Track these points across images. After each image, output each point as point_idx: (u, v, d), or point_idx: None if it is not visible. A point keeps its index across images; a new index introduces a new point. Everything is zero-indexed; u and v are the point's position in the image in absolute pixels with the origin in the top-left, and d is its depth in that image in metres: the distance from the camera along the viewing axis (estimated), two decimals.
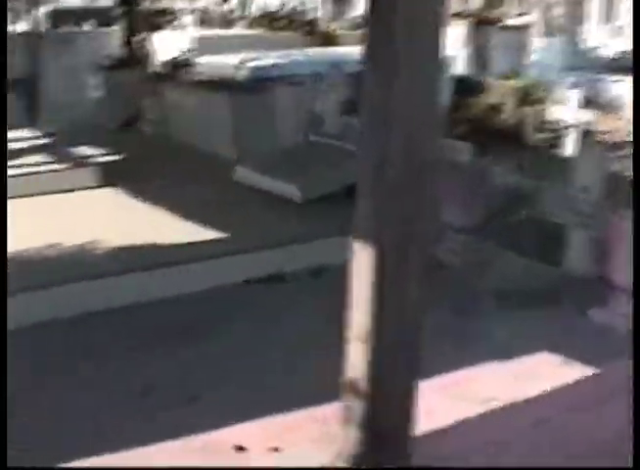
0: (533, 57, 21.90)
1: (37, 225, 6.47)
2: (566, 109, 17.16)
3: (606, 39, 31.08)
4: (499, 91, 18.44)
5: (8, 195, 7.05)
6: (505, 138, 16.63)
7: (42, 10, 26.31)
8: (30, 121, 12.34)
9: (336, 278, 5.79)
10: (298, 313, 5.32)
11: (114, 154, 9.18)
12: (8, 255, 5.38)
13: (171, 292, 5.51)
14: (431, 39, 2.68)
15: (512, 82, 18.56)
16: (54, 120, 11.32)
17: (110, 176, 7.80)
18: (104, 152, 9.25)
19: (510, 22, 28.84)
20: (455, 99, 17.57)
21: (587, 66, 21.36)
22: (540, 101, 17.92)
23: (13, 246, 5.80)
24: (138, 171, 8.25)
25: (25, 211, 6.88)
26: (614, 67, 21.59)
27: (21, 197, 7.09)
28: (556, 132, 17.24)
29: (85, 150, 9.18)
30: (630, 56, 20.89)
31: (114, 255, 5.84)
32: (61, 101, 13.36)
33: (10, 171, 7.43)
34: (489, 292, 5.73)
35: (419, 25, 2.63)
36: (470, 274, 5.92)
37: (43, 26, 25.45)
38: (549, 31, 21.93)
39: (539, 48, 21.91)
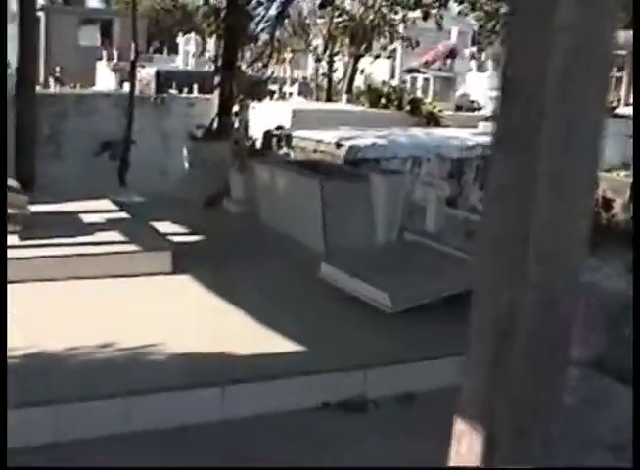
0: None
1: (96, 316, 5.81)
2: None
3: None
4: (609, 185, 17.51)
5: (71, 274, 6.54)
6: (616, 236, 15.67)
7: (148, 71, 26.51)
8: (119, 186, 11.97)
9: (427, 408, 5.04)
10: (385, 448, 4.56)
11: (194, 233, 8.59)
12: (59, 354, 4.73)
13: (236, 413, 4.78)
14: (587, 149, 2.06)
15: (623, 176, 17.64)
16: (141, 188, 10.89)
17: (185, 261, 7.12)
18: (184, 230, 8.68)
19: (622, 110, 27.99)
20: None
21: None
22: None
23: (65, 342, 5.18)
24: (216, 258, 7.59)
25: (85, 296, 6.27)
26: None
27: (82, 278, 6.51)
28: None
29: (166, 226, 8.63)
30: None
31: (179, 363, 5.12)
32: (150, 168, 12.97)
33: (80, 249, 6.87)
34: (602, 442, 4.88)
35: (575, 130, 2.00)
36: (584, 418, 5.03)
37: (149, 88, 25.59)
38: None
39: None
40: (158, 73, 28.03)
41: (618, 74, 36.90)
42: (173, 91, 25.49)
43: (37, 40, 10.48)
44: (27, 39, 10.68)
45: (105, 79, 31.25)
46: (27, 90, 10.81)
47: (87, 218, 8.03)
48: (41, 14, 35.92)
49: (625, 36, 34.66)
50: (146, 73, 26.18)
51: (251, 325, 5.76)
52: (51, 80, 27.29)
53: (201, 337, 5.53)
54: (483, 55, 40.73)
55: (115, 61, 33.32)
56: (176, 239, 8.23)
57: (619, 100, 31.42)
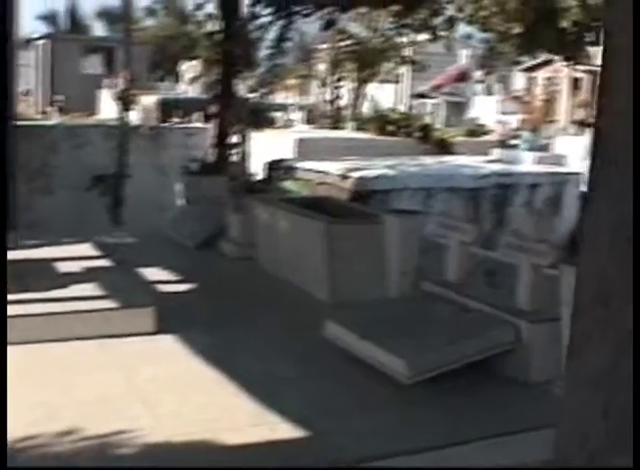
0: None
1: (58, 392, 4.92)
2: None
3: None
4: None
5: (36, 337, 5.67)
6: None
7: (151, 99, 25.80)
8: (112, 224, 11.18)
9: None
10: None
11: (184, 282, 7.72)
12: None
13: None
14: None
15: None
16: (135, 226, 10.09)
17: (171, 318, 6.24)
18: (174, 278, 7.82)
19: None
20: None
21: None
22: None
23: (18, 427, 4.28)
24: (207, 313, 6.72)
25: (49, 365, 5.38)
26: None
27: (49, 341, 5.65)
28: None
29: (154, 274, 7.78)
30: None
31: (155, 458, 4.23)
32: (146, 204, 12.17)
33: (48, 307, 6.01)
34: None
35: None
36: None
37: (152, 116, 24.85)
38: None
39: None
40: (161, 101, 27.35)
41: None
42: (177, 119, 24.77)
43: (12, 72, 9.64)
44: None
45: (108, 108, 30.59)
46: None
47: (64, 267, 7.16)
48: (47, 42, 35.53)
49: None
50: (150, 101, 25.50)
51: (245, 403, 4.86)
52: (51, 110, 26.59)
53: (184, 419, 4.63)
54: (488, 77, 40.10)
55: (118, 89, 32.64)
56: (164, 289, 7.40)
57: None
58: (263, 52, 11.21)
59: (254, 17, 10.41)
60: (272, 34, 10.92)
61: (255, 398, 4.90)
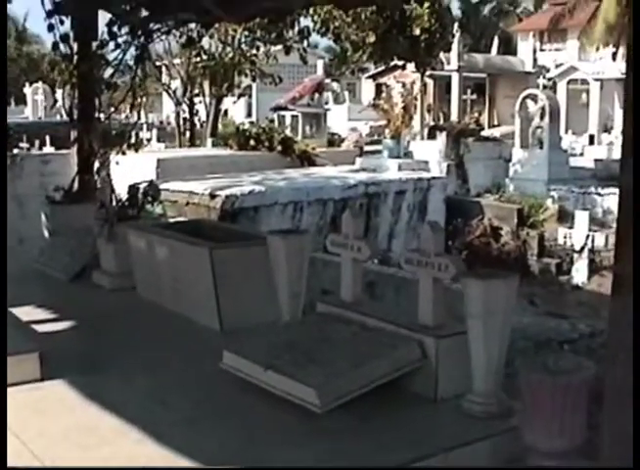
0: (515, 169, 20.70)
1: None
2: (573, 230, 15.70)
3: (580, 148, 30.26)
4: (494, 213, 16.99)
5: None
6: (507, 265, 15.07)
7: None
8: None
9: None
10: None
11: (62, 319, 7.29)
12: None
13: None
14: None
15: (512, 204, 17.16)
16: None
17: (55, 362, 5.84)
18: (51, 316, 7.38)
19: (488, 132, 27.90)
20: (451, 223, 16.08)
21: (572, 177, 20.18)
22: (541, 222, 16.48)
23: None
24: (92, 352, 6.33)
25: None
26: (600, 177, 20.48)
27: None
28: (563, 258, 15.74)
29: (28, 313, 7.33)
30: (611, 164, 19.87)
31: None
32: (8, 240, 11.58)
33: None
34: None
35: None
36: None
37: None
38: (529, 142, 20.80)
39: (519, 160, 20.72)
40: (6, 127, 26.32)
41: (473, 97, 37.14)
42: (24, 144, 23.95)
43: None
44: None
45: None
46: None
47: None
48: None
49: (484, 59, 34.95)
50: None
51: (151, 450, 4.54)
52: None
53: None
54: (335, 86, 40.51)
55: None
56: (43, 329, 6.96)
57: (477, 122, 31.40)
58: (119, 72, 10.79)
59: (112, 37, 10.00)
60: (129, 54, 10.55)
61: (161, 443, 4.59)
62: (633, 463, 2.77)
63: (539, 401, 4.41)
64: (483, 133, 26.84)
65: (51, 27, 10.05)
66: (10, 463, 4.33)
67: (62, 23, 10.04)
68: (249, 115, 39.46)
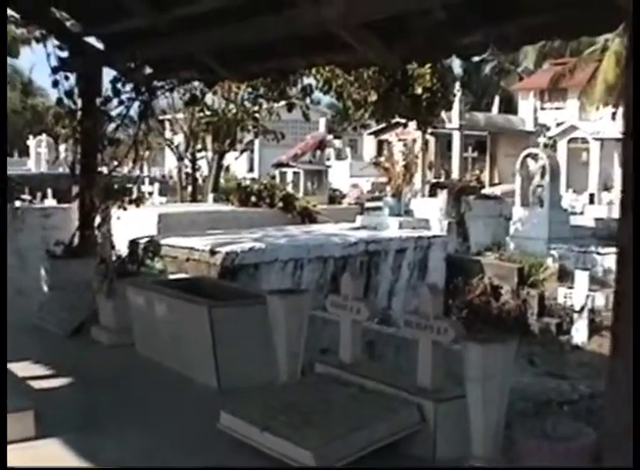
0: (515, 228, 20.72)
1: None
2: (574, 290, 15.67)
3: (580, 207, 30.34)
4: (494, 272, 16.97)
5: None
6: (507, 325, 15.03)
7: None
8: None
9: None
10: None
11: (59, 376, 7.25)
12: None
13: None
14: None
15: (512, 263, 17.15)
16: None
17: (50, 419, 5.79)
18: (47, 372, 7.34)
19: (489, 190, 28.01)
20: (451, 281, 16.06)
21: (572, 236, 20.20)
22: (542, 281, 16.45)
23: None
24: (89, 411, 6.27)
25: None
26: (600, 236, 20.50)
27: None
28: (563, 317, 15.69)
29: (25, 368, 7.28)
30: (611, 223, 19.90)
31: None
32: (7, 293, 11.56)
33: None
34: None
35: None
36: None
37: None
38: (529, 201, 20.85)
39: (520, 218, 20.75)
40: (8, 178, 26.43)
41: (474, 155, 37.40)
42: (26, 197, 24.04)
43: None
44: None
45: None
46: None
47: None
48: None
49: (485, 117, 35.26)
50: None
51: None
52: None
53: None
54: (337, 142, 40.80)
55: None
56: (39, 385, 6.92)
57: (478, 180, 31.57)
58: (123, 126, 10.87)
59: (116, 93, 10.08)
60: (133, 110, 10.62)
61: None
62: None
63: (539, 468, 4.38)
64: (484, 191, 26.96)
65: (56, 83, 10.15)
66: None
67: (67, 78, 10.14)
68: (250, 170, 39.66)
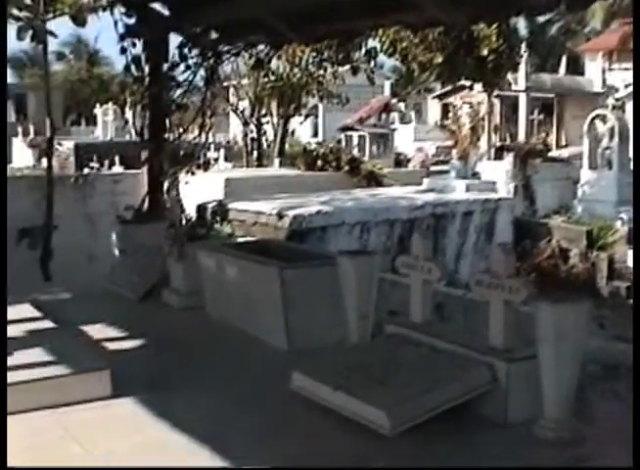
0: (583, 191, 20.42)
1: None
2: None
3: None
4: (563, 234, 16.77)
5: None
6: (575, 288, 14.87)
7: (67, 144, 25.25)
8: (43, 280, 10.76)
9: None
10: None
11: (132, 337, 7.37)
12: None
13: None
14: None
15: (580, 226, 16.94)
16: (67, 280, 9.67)
17: (125, 379, 5.89)
18: (121, 334, 7.46)
19: (556, 153, 27.61)
20: (519, 244, 15.91)
21: None
22: (611, 244, 16.21)
23: None
24: (162, 370, 6.37)
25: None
26: None
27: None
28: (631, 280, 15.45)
29: (98, 331, 7.42)
30: None
31: None
32: (76, 255, 11.77)
33: None
34: None
35: None
36: None
37: (69, 163, 24.31)
38: (597, 163, 20.52)
39: (588, 181, 20.43)
40: (77, 147, 26.80)
41: (541, 117, 36.83)
42: (94, 164, 24.30)
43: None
44: None
45: (22, 156, 29.94)
46: None
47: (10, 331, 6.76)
48: None
49: (552, 79, 34.64)
50: (65, 147, 24.93)
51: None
52: None
53: None
54: (402, 106, 40.48)
55: (32, 136, 32.12)
56: (112, 347, 7.04)
57: (545, 143, 31.10)
58: (189, 93, 10.93)
59: (182, 58, 10.14)
60: (198, 75, 10.67)
61: (231, 463, 4.60)
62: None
63: (613, 429, 4.35)
64: (551, 154, 26.55)
65: (123, 50, 10.23)
66: None
67: (134, 45, 10.21)
68: (315, 135, 39.57)
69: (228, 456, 4.67)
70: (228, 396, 5.79)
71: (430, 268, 5.87)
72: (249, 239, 10.62)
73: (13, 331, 6.77)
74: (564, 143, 36.72)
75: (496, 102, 31.16)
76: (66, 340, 6.59)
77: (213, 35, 10.27)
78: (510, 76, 27.58)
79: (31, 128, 32.96)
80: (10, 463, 4.63)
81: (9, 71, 57.23)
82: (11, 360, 5.93)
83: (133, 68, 10.44)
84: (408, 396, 5.04)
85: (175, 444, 4.95)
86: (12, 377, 5.61)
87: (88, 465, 4.69)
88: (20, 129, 34.34)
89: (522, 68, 30.17)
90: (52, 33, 10.77)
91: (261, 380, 6.09)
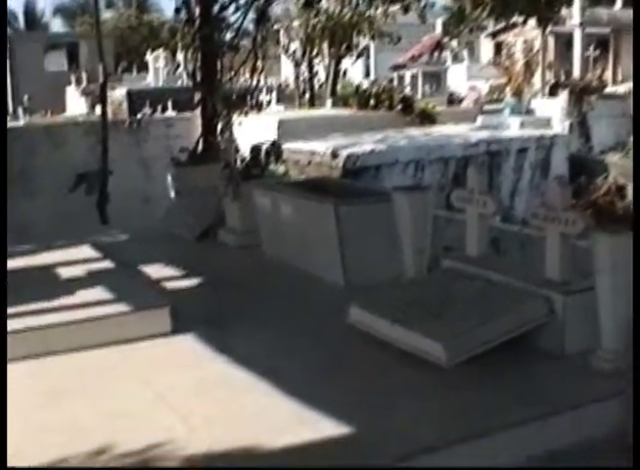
0: None
1: (84, 406, 4.68)
2: None
3: None
4: (619, 171, 16.55)
5: (51, 349, 5.43)
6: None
7: (119, 91, 25.40)
8: (101, 223, 10.92)
9: None
10: None
11: (190, 276, 7.47)
12: None
13: None
14: None
15: (621, 158, 16.69)
16: (124, 223, 9.81)
17: (185, 316, 6.00)
18: (179, 273, 7.56)
19: (612, 89, 27.14)
20: (574, 181, 15.74)
21: None
22: None
23: (49, 450, 4.05)
24: (221, 307, 6.47)
25: (70, 378, 5.12)
26: None
27: (65, 352, 5.38)
28: None
29: (157, 270, 7.53)
30: None
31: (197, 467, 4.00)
32: (132, 199, 11.92)
33: (60, 317, 5.74)
34: None
35: None
36: None
37: (122, 109, 24.46)
38: None
39: None
40: (129, 93, 26.92)
41: (596, 53, 36.12)
42: (147, 110, 24.40)
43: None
44: None
45: (75, 104, 30.19)
46: None
47: (66, 273, 6.90)
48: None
49: (608, 14, 33.83)
50: (118, 94, 25.08)
51: (280, 402, 4.64)
52: (20, 111, 26.07)
53: (220, 426, 4.39)
54: (454, 44, 39.92)
55: (85, 84, 32.33)
56: (171, 286, 7.15)
57: (600, 79, 30.54)
58: (239, 35, 10.92)
59: (232, 1, 10.12)
60: (249, 17, 10.65)
61: (290, 396, 4.68)
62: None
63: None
64: (607, 90, 26.11)
65: None
66: (149, 416, 4.51)
67: None
68: (366, 75, 39.27)
69: (285, 390, 4.74)
70: (285, 331, 5.86)
71: (485, 201, 5.85)
72: (303, 178, 10.64)
73: (74, 271, 6.93)
74: (620, 79, 36.03)
75: (550, 38, 30.63)
76: (125, 279, 6.72)
77: None
78: (564, 11, 27.03)
79: (84, 76, 33.13)
80: (72, 397, 4.78)
81: (60, 21, 57.57)
82: (73, 299, 6.07)
83: (183, 10, 10.43)
84: (465, 328, 5.06)
85: (235, 378, 5.04)
86: (75, 315, 5.75)
87: (156, 397, 4.79)
88: (73, 78, 34.55)
89: (576, 2, 29.56)
90: None
91: (319, 315, 6.14)
